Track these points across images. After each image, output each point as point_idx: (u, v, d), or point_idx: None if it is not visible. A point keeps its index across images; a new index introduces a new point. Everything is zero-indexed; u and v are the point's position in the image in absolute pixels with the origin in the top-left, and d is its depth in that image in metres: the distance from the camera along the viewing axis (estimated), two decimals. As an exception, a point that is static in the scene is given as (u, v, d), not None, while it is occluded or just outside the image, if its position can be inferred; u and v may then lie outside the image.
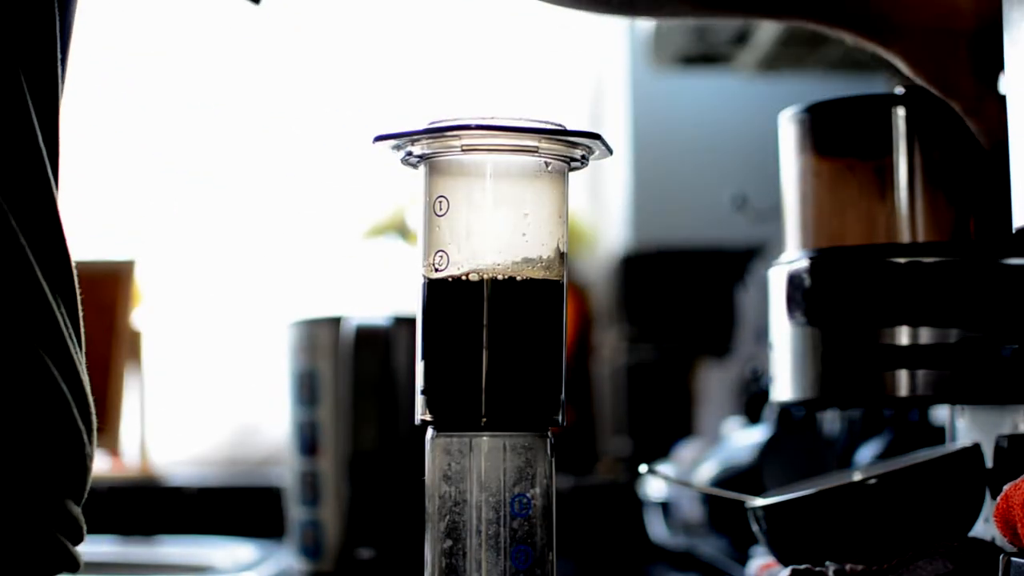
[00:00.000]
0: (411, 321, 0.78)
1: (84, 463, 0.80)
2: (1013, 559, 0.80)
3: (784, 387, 1.03)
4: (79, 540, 0.80)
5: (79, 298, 0.80)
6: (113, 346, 2.21)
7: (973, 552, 0.90)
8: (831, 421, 1.42)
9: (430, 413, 0.77)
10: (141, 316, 2.34)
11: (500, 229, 0.75)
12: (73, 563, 0.80)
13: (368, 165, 2.58)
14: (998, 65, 0.87)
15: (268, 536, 1.91)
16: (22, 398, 0.76)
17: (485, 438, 0.76)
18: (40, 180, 0.77)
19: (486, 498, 0.76)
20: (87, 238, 2.53)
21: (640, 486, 1.79)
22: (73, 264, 0.80)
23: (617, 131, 2.46)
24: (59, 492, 0.78)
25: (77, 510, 0.79)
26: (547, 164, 0.76)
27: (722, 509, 1.38)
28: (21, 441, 0.76)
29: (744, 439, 1.46)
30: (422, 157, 0.77)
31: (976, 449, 0.92)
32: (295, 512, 1.57)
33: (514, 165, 0.76)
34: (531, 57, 2.62)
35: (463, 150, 0.75)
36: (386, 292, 2.38)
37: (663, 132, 2.42)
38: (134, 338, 2.29)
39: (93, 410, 0.80)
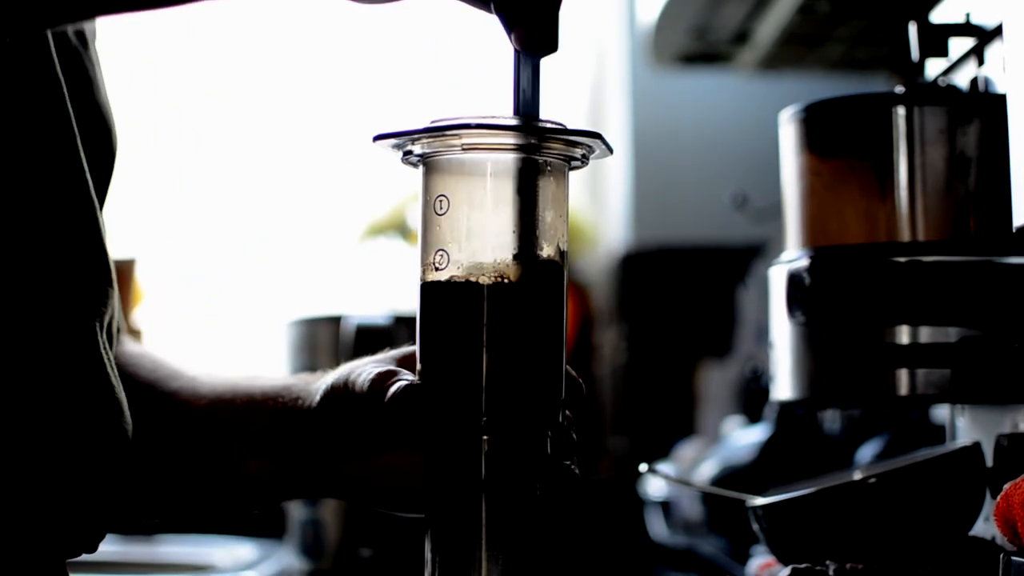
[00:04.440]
0: (411, 320, 0.78)
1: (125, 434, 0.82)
2: (1013, 558, 0.80)
3: (784, 386, 1.03)
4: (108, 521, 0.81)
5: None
6: (113, 345, 2.20)
7: (973, 551, 0.90)
8: (831, 420, 1.42)
9: (430, 413, 0.77)
10: (141, 315, 2.34)
11: (500, 228, 0.75)
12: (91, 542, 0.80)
13: (368, 164, 2.58)
14: None
15: (268, 535, 1.91)
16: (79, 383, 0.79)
17: (486, 438, 0.76)
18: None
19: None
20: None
21: (640, 485, 1.79)
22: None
23: (617, 130, 2.45)
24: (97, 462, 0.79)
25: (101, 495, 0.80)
26: (547, 163, 0.76)
27: (722, 508, 1.38)
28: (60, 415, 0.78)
29: (744, 438, 1.47)
30: (422, 156, 0.77)
31: (976, 448, 0.92)
32: (295, 511, 1.56)
33: (514, 164, 0.76)
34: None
35: (463, 149, 0.75)
36: (386, 291, 2.37)
37: (663, 131, 2.42)
38: (134, 337, 2.29)
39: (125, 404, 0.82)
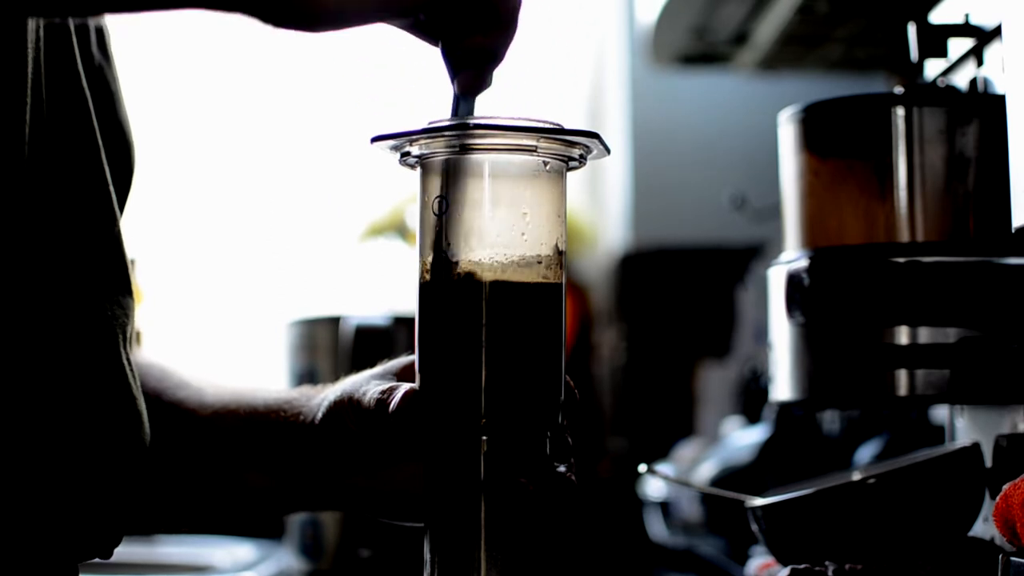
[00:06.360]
0: (410, 321, 0.77)
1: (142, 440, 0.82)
2: (1012, 558, 0.80)
3: (783, 387, 1.03)
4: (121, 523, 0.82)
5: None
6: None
7: (972, 551, 0.90)
8: (830, 421, 1.42)
9: (430, 414, 0.77)
10: (142, 315, 2.34)
11: (499, 228, 0.75)
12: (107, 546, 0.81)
13: (367, 165, 2.58)
14: None
15: (267, 536, 1.91)
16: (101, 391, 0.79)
17: (485, 439, 0.76)
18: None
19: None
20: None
21: (640, 486, 1.79)
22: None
23: (616, 130, 2.46)
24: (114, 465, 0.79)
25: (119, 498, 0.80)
26: (545, 163, 0.76)
27: (721, 509, 1.38)
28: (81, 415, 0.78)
29: (743, 439, 1.47)
30: (420, 157, 0.77)
31: (975, 449, 0.92)
32: (294, 512, 1.56)
33: (512, 164, 0.76)
34: (530, 56, 2.62)
35: (461, 150, 0.75)
36: (385, 292, 2.37)
37: (662, 131, 2.42)
38: (134, 337, 2.29)
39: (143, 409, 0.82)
